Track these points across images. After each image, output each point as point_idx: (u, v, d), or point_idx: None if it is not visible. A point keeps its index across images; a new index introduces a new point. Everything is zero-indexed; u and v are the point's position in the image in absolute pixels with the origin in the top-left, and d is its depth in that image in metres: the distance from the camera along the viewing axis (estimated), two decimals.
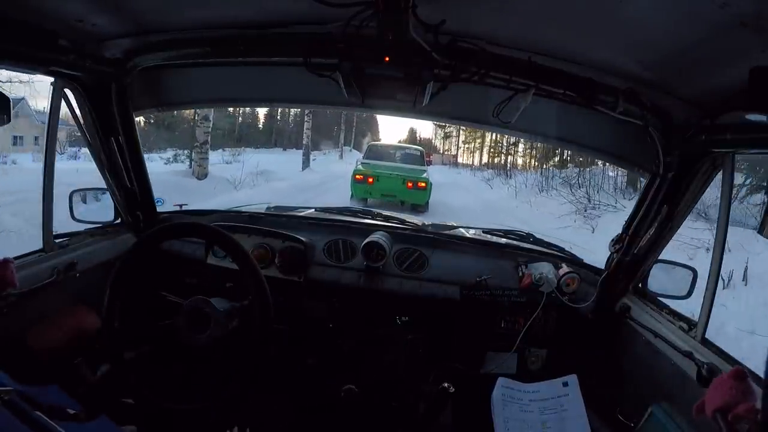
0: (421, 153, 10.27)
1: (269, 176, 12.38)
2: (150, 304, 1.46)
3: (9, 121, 1.01)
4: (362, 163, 8.99)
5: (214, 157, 15.79)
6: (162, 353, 1.33)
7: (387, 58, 1.13)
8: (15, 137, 21.14)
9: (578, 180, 11.79)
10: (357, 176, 8.42)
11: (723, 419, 0.86)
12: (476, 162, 30.32)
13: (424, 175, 8.64)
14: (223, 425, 1.26)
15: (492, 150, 27.80)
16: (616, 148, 1.55)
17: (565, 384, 1.28)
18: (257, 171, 12.19)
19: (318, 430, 1.56)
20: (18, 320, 1.18)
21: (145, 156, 1.62)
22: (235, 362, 1.23)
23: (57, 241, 1.37)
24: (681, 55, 0.98)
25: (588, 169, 12.62)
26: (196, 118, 9.92)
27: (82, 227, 1.55)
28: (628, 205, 7.12)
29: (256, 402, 1.37)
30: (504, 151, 25.91)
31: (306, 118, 15.84)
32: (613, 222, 5.43)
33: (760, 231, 0.66)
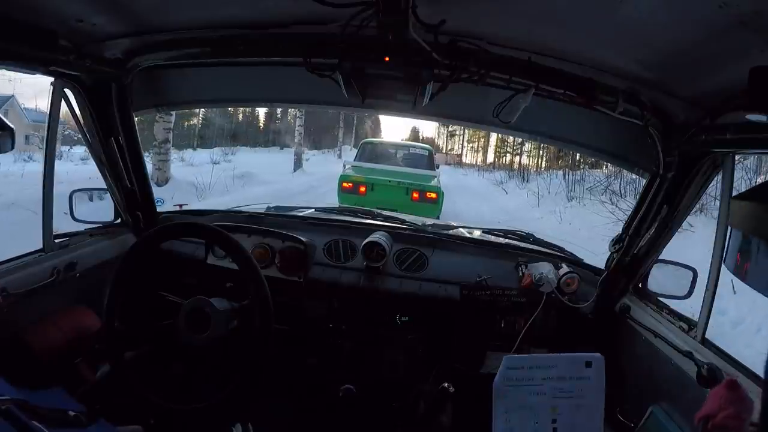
0: (430, 153, 7.80)
1: (250, 179, 10.83)
2: (150, 304, 1.47)
3: (12, 148, 1.00)
4: (352, 167, 6.68)
5: (203, 156, 15.24)
6: (162, 353, 1.33)
7: (387, 58, 1.13)
8: None
9: (620, 187, 8.99)
10: (344, 184, 6.19)
11: (703, 427, 0.86)
12: (481, 162, 30.22)
13: (434, 182, 6.37)
14: (224, 425, 1.27)
15: (499, 149, 27.70)
16: (616, 148, 1.55)
17: (589, 364, 1.08)
18: (236, 173, 10.59)
19: (318, 429, 1.56)
20: (18, 320, 1.18)
21: None
22: (235, 362, 1.23)
23: (57, 241, 1.37)
24: (681, 55, 0.98)
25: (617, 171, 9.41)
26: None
27: (82, 227, 1.55)
28: (698, 225, 5.39)
29: (256, 402, 1.37)
30: (511, 150, 25.75)
31: (299, 114, 14.99)
32: (689, 248, 3.58)
33: (723, 261, 0.64)
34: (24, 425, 0.61)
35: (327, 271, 1.66)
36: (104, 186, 1.57)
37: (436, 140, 35.62)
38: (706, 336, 1.20)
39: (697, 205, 4.59)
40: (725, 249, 0.57)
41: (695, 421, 0.89)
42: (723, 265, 1.17)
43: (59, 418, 0.67)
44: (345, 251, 1.71)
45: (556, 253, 1.85)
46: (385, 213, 2.10)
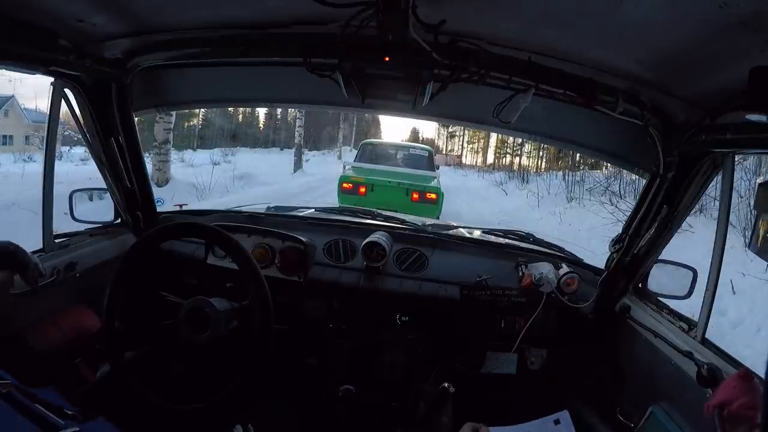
0: (430, 154, 7.82)
1: (251, 180, 10.90)
2: (150, 304, 1.47)
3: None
4: (352, 167, 6.76)
5: (203, 156, 15.16)
6: (162, 353, 1.33)
7: (387, 58, 1.13)
8: (4, 137, 21.05)
9: (619, 188, 8.95)
10: (344, 185, 6.22)
11: (719, 416, 0.86)
12: (481, 162, 30.23)
13: (434, 183, 6.38)
14: (224, 425, 1.27)
15: (499, 150, 27.70)
16: (616, 148, 1.55)
17: (557, 422, 1.17)
18: (236, 174, 10.62)
19: (318, 430, 1.56)
20: (18, 320, 1.18)
21: None
22: (235, 362, 1.23)
23: (57, 241, 1.37)
24: (681, 55, 0.98)
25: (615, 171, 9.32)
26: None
27: (82, 227, 1.55)
28: (698, 225, 5.42)
29: (256, 402, 1.37)
30: (511, 151, 25.77)
31: (299, 114, 14.97)
32: (688, 248, 3.83)
33: (749, 245, 0.67)
34: (26, 408, 0.61)
35: (327, 271, 1.66)
36: (104, 186, 1.57)
37: (436, 141, 35.60)
38: (706, 336, 1.20)
39: (697, 206, 4.60)
40: (750, 234, 0.59)
41: (708, 410, 0.89)
42: (722, 266, 1.18)
43: (58, 413, 0.67)
44: (345, 251, 1.71)
45: (556, 253, 1.86)
46: (385, 213, 2.10)
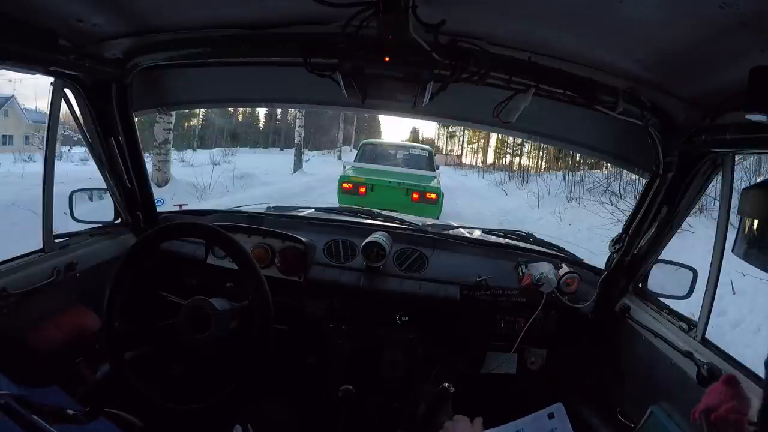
0: (430, 154, 7.84)
1: (250, 180, 11.00)
2: (150, 304, 1.47)
3: None
4: (352, 167, 6.81)
5: (203, 156, 15.26)
6: (162, 353, 1.33)
7: (387, 58, 1.13)
8: (4, 137, 21.19)
9: (619, 188, 8.90)
10: (344, 185, 6.27)
11: (706, 420, 0.87)
12: (481, 162, 30.30)
13: (434, 183, 6.42)
14: (224, 425, 1.27)
15: (499, 150, 27.74)
16: (616, 148, 1.55)
17: (551, 416, 1.16)
18: (236, 174, 10.70)
19: (318, 429, 1.56)
20: (18, 320, 1.18)
21: None
22: (235, 362, 1.23)
23: (57, 241, 1.37)
24: (681, 55, 0.98)
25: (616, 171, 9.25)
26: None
27: (82, 227, 1.55)
28: (698, 225, 5.38)
29: (256, 402, 1.37)
30: (511, 151, 25.81)
31: (299, 114, 15.03)
32: (688, 248, 4.08)
33: (734, 250, 0.68)
34: (23, 418, 0.61)
35: (327, 271, 1.66)
36: (104, 186, 1.57)
37: (436, 141, 35.69)
38: (706, 336, 1.20)
39: (697, 206, 4.61)
40: (735, 239, 0.59)
41: (695, 415, 0.90)
42: (722, 265, 1.18)
43: (58, 415, 0.67)
44: (345, 251, 1.71)
45: (556, 253, 1.86)
46: (385, 213, 2.10)
